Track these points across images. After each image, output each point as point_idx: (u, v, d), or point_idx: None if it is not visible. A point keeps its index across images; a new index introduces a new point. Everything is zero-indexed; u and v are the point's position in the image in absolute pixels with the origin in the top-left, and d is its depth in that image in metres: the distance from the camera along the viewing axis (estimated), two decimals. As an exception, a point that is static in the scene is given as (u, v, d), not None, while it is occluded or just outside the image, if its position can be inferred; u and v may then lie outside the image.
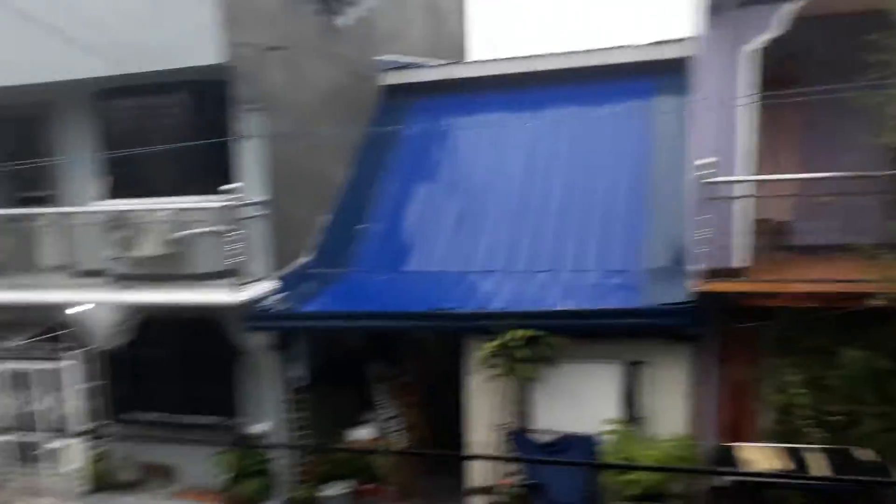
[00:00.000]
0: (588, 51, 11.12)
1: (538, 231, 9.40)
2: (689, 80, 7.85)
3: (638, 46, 10.83)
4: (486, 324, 7.94)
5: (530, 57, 11.47)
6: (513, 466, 8.09)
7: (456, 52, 15.50)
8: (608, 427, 7.68)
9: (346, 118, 11.16)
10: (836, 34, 7.19)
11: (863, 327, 6.70)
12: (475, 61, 12.97)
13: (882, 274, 6.23)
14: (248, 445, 9.33)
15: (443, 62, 12.74)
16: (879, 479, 6.09)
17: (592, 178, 9.76)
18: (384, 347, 10.10)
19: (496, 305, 8.22)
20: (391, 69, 12.28)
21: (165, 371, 9.82)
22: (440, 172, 10.87)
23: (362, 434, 9.44)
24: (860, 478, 6.13)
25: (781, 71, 7.77)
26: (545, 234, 9.34)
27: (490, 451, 8.14)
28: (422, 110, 11.83)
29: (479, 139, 10.99)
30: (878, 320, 6.56)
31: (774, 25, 6.94)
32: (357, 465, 9.12)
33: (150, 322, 9.24)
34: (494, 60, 11.89)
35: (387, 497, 9.09)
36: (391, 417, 9.63)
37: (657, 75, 10.40)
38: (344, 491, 8.99)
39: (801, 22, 6.97)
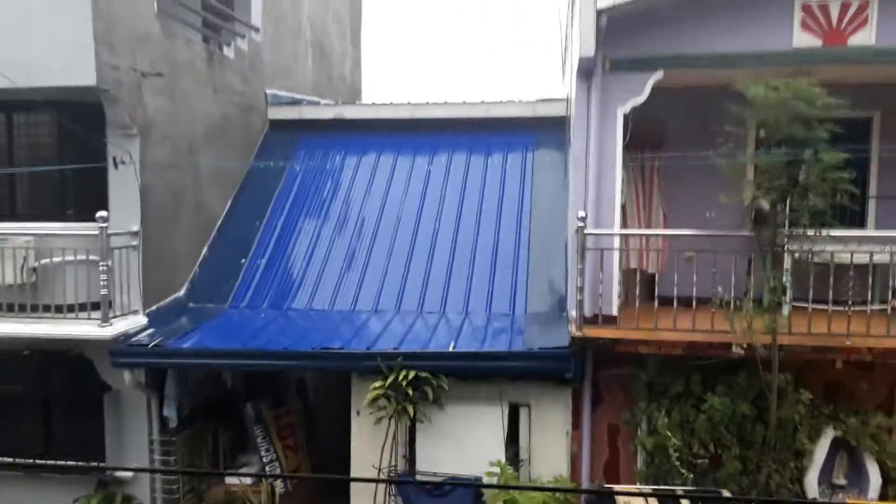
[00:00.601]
0: (476, 103, 11.63)
1: (427, 273, 9.52)
2: (566, 136, 8.38)
3: (521, 102, 11.50)
4: (374, 364, 7.88)
5: (421, 104, 11.80)
6: (396, 509, 7.99)
7: (347, 94, 15.62)
8: (492, 469, 7.78)
9: (230, 150, 10.88)
10: (698, 103, 7.94)
11: (726, 374, 7.28)
12: (367, 104, 13.12)
13: (740, 325, 6.84)
14: (112, 490, 8.62)
15: (334, 102, 12.81)
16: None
17: (480, 224, 10.08)
18: (266, 387, 9.74)
19: (384, 345, 8.18)
20: (280, 104, 12.16)
21: (23, 410, 8.93)
22: (329, 209, 10.79)
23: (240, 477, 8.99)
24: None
25: (648, 134, 8.48)
26: (434, 275, 9.47)
27: (374, 494, 8.00)
28: (311, 147, 11.77)
29: (369, 179, 11.09)
30: (739, 368, 7.16)
31: (638, 92, 7.57)
32: (232, 510, 8.66)
33: (7, 356, 8.41)
34: (386, 105, 12.11)
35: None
36: (272, 460, 9.25)
37: (540, 129, 11.08)
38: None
39: (667, 91, 7.67)
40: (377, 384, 7.74)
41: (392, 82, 25.70)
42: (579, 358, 7.70)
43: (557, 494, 7.28)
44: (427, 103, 11.80)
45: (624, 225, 7.97)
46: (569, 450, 7.99)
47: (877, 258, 7.36)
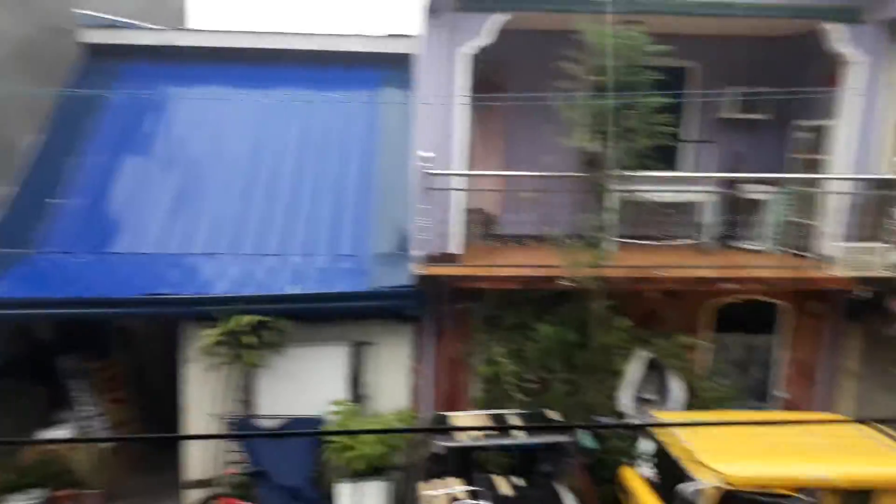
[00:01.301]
0: (319, 35, 11.11)
1: (266, 213, 9.17)
2: (413, 75, 8.32)
3: (367, 37, 11.13)
4: (208, 309, 7.55)
5: (261, 33, 11.10)
6: (235, 455, 7.84)
7: (169, 19, 14.30)
8: (334, 408, 7.83)
9: (36, 77, 9.67)
10: (540, 47, 8.18)
11: (555, 305, 7.80)
12: (197, 30, 12.10)
13: (569, 260, 7.32)
14: None
15: (158, 27, 11.70)
16: (563, 437, 7.15)
17: (322, 163, 9.81)
18: (88, 339, 9.01)
19: (219, 290, 7.85)
20: (97, 27, 10.92)
21: None
22: (154, 146, 9.99)
23: (57, 436, 8.33)
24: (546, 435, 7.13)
25: (493, 76, 8.64)
26: (273, 216, 9.14)
27: (213, 444, 7.78)
28: (132, 76, 10.73)
29: (199, 113, 10.33)
30: (567, 299, 7.70)
31: (485, 33, 7.68)
32: (50, 469, 8.02)
33: None
34: (219, 32, 11.26)
35: (89, 502, 8.16)
36: (94, 416, 8.65)
37: (386, 67, 10.82)
38: (34, 500, 7.85)
39: (511, 33, 7.82)
40: (213, 331, 7.44)
41: (222, 7, 23.59)
42: (422, 295, 7.87)
43: (397, 425, 7.51)
44: (267, 33, 11.11)
45: (469, 166, 8.14)
46: (410, 384, 8.23)
47: (686, 198, 8.14)
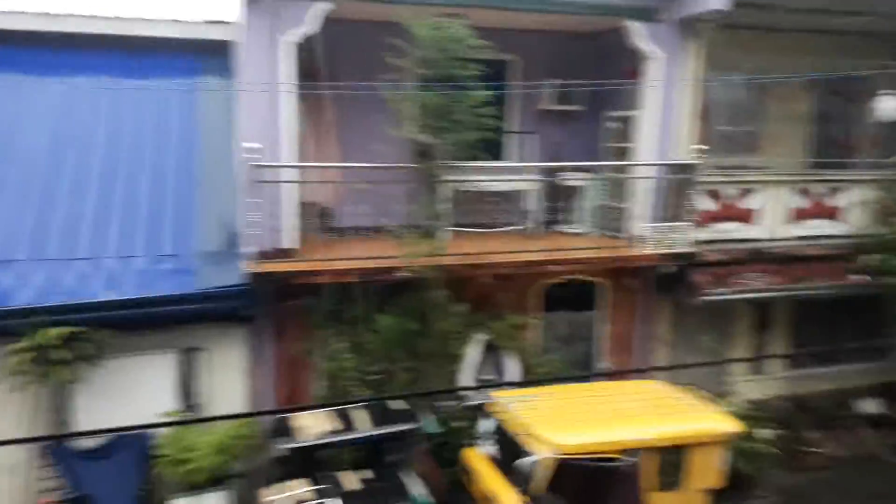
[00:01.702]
0: (127, 19, 10.17)
1: (74, 213, 8.29)
2: (234, 63, 7.93)
3: (184, 23, 10.37)
4: (8, 324, 6.74)
5: (63, 15, 9.93)
6: (51, 482, 7.08)
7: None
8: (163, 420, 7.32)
9: None
10: (367, 37, 8.12)
11: (394, 296, 7.83)
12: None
13: (406, 250, 7.38)
14: None
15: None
16: (408, 425, 7.22)
17: (136, 157, 9.02)
18: None
19: (21, 301, 7.02)
20: None
21: None
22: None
23: None
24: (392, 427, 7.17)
25: (321, 66, 8.46)
26: (83, 216, 8.29)
27: (23, 472, 6.97)
28: None
29: (-14, 104, 9.12)
30: (406, 290, 7.76)
31: (308, 21, 7.49)
32: None
33: None
34: (16, 13, 9.94)
35: None
36: None
37: (205, 55, 10.15)
38: None
39: (337, 23, 7.68)
40: (16, 347, 6.65)
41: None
42: (256, 294, 7.56)
43: (239, 431, 7.18)
44: (71, 15, 9.97)
45: (300, 158, 7.91)
46: (248, 388, 7.90)
47: (513, 187, 8.50)
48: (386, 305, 7.83)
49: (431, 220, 7.50)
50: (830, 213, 9.77)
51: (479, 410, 7.61)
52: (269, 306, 7.86)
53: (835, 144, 10.96)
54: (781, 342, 10.44)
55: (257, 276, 7.34)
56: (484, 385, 8.18)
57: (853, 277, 9.52)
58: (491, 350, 8.44)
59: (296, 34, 7.50)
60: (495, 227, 8.10)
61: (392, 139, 7.38)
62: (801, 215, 9.66)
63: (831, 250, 9.63)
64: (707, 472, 7.08)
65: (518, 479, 6.58)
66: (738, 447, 7.80)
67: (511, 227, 8.66)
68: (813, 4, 8.66)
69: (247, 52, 7.46)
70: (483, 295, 8.47)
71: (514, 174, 8.90)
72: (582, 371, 9.35)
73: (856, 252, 9.56)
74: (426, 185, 7.55)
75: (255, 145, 7.24)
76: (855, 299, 9.92)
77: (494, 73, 8.64)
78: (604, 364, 9.42)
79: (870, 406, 10.51)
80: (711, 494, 7.17)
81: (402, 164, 7.78)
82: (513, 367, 8.44)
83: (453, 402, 8.01)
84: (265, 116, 7.46)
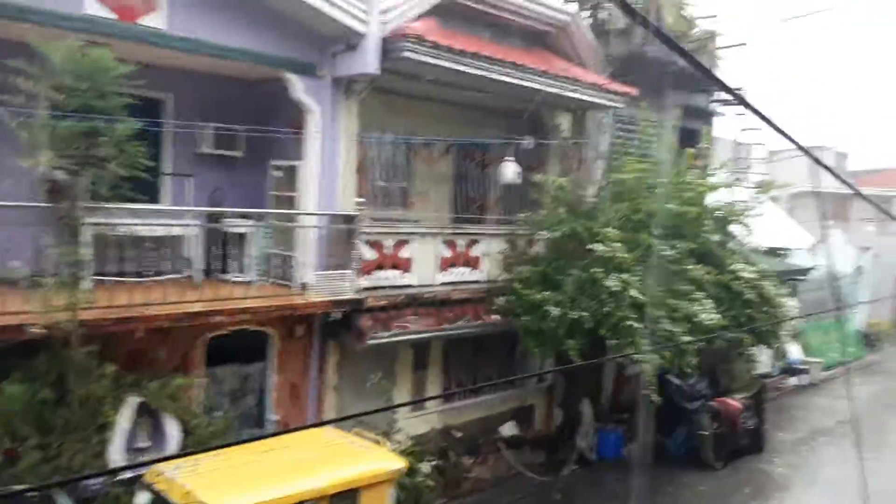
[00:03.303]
0: None
1: None
2: None
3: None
4: None
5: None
6: None
7: None
8: None
9: None
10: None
11: (24, 359, 6.55)
12: None
13: (39, 303, 6.28)
14: None
15: None
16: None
17: None
18: None
19: None
20: None
21: None
22: None
23: None
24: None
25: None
26: None
27: None
28: None
29: None
30: (40, 350, 6.55)
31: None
32: None
33: None
34: None
35: None
36: None
37: None
38: None
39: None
40: None
41: None
42: None
43: None
44: None
45: None
46: None
47: (172, 232, 7.90)
48: (12, 371, 6.50)
49: (71, 266, 6.51)
50: (471, 262, 11.04)
51: (137, 483, 6.69)
52: None
53: (471, 202, 12.52)
54: (438, 378, 11.34)
55: None
56: (129, 466, 7.14)
57: (491, 318, 10.83)
58: (147, 414, 7.55)
59: None
60: (151, 276, 7.37)
61: (18, 172, 6.30)
62: (448, 264, 10.73)
63: (473, 294, 10.86)
64: (379, 511, 7.21)
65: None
66: (402, 483, 8.14)
67: (170, 276, 7.98)
68: (446, 79, 9.85)
69: None
70: (137, 352, 7.60)
71: (171, 218, 8.28)
72: (252, 426, 8.92)
73: (490, 295, 10.92)
74: (64, 226, 6.56)
75: None
76: (494, 336, 11.30)
77: (147, 111, 8.03)
78: (274, 416, 9.12)
79: (508, 429, 11.93)
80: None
81: (30, 204, 6.67)
82: (173, 431, 7.64)
83: (99, 481, 6.91)
84: None
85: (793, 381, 19.26)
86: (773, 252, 18.33)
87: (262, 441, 8.07)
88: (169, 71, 8.75)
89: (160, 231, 7.63)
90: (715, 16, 14.36)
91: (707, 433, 12.70)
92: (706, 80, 14.87)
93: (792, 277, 18.37)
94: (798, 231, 22.73)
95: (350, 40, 8.95)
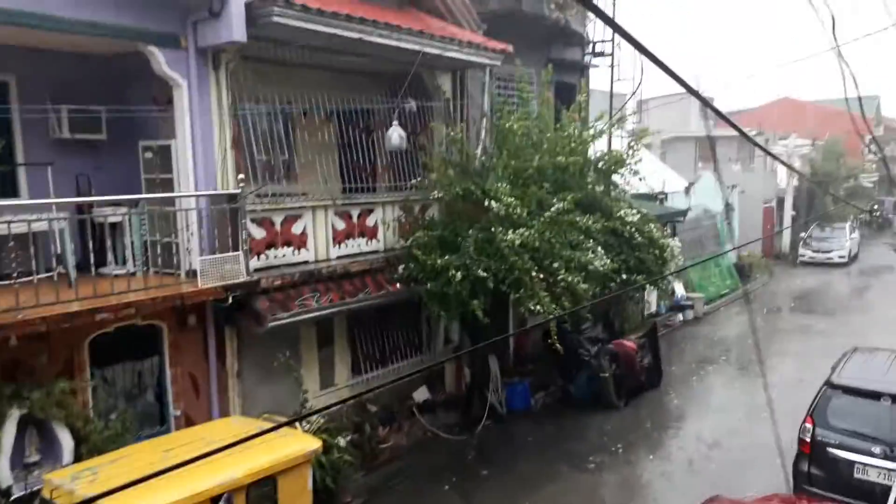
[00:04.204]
0: None
1: None
2: None
3: None
4: None
5: None
6: None
7: None
8: None
9: None
10: None
11: None
12: None
13: None
14: None
15: None
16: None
17: None
18: None
19: None
20: None
21: None
22: None
23: None
24: None
25: None
26: None
27: None
28: None
29: None
30: None
31: None
32: None
33: None
34: None
35: None
36: None
37: None
38: None
39: None
40: None
41: None
42: None
43: None
44: None
45: None
46: None
47: (35, 227, 7.20)
48: None
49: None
50: (367, 232, 10.83)
51: (34, 499, 6.16)
52: None
53: (361, 170, 12.25)
54: (345, 353, 11.14)
55: None
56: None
57: (394, 287, 10.71)
58: (33, 425, 6.95)
59: None
60: (15, 277, 6.67)
61: None
62: (343, 236, 10.48)
63: (373, 265, 10.68)
64: (299, 495, 7.05)
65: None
66: (319, 462, 7.98)
67: (41, 276, 7.29)
68: (320, 44, 9.47)
69: None
70: (13, 361, 6.93)
71: (35, 212, 7.52)
72: (154, 425, 8.42)
73: (390, 265, 10.79)
74: None
75: None
76: (399, 305, 11.21)
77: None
78: (176, 412, 8.64)
79: (420, 394, 11.97)
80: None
81: None
82: (65, 440, 7.08)
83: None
84: None
85: (679, 317, 20.48)
86: (651, 197, 19.26)
87: (167, 438, 7.67)
88: (9, 50, 7.89)
89: (21, 227, 6.89)
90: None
91: (607, 375, 13.28)
92: (578, 35, 15.34)
93: (671, 219, 19.40)
94: (671, 175, 24.02)
95: (212, 6, 8.38)
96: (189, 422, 8.62)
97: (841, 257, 31.19)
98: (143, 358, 8.46)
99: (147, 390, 8.54)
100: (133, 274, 8.30)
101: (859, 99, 8.55)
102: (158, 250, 8.66)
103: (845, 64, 7.30)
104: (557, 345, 10.82)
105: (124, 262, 8.47)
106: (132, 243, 8.47)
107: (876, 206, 27.98)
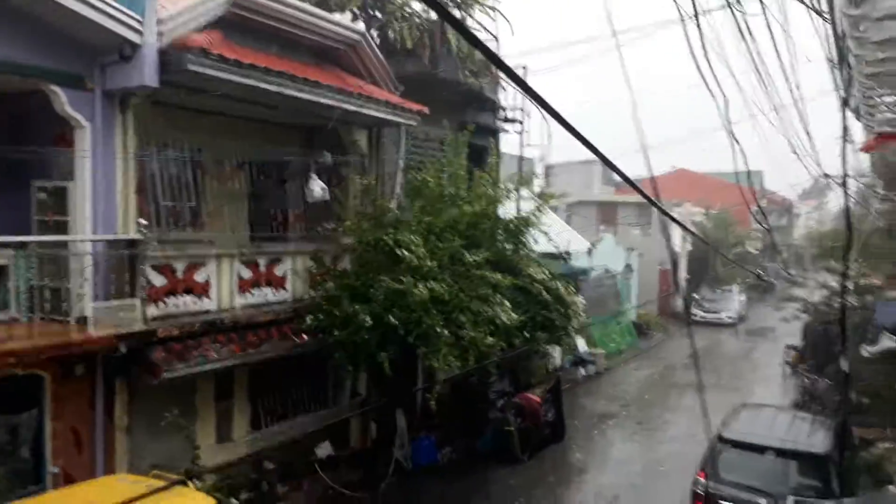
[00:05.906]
0: None
1: None
2: None
3: None
4: None
5: None
6: None
7: None
8: None
9: None
10: None
11: None
12: None
13: None
14: None
15: None
16: None
17: None
18: None
19: None
20: None
21: None
22: None
23: None
24: None
25: None
26: None
27: None
28: None
29: None
30: None
31: None
32: None
33: None
34: None
35: None
36: None
37: None
38: None
39: None
40: None
41: None
42: None
43: None
44: None
45: None
46: None
47: None
48: None
49: None
50: (275, 282, 10.62)
51: None
52: None
53: (271, 219, 12.10)
54: (245, 407, 10.72)
55: None
56: None
57: (300, 338, 10.49)
58: None
59: None
60: None
61: None
62: (249, 285, 10.22)
63: (279, 315, 10.45)
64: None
65: None
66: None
67: None
68: (237, 94, 9.41)
69: None
70: None
71: None
72: (29, 483, 7.77)
73: (298, 315, 10.59)
74: None
75: None
76: (304, 357, 10.96)
77: None
78: (54, 469, 8.01)
79: (323, 450, 11.62)
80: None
81: None
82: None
83: None
84: None
85: (582, 371, 20.99)
86: (557, 256, 19.91)
87: (40, 499, 7.09)
88: None
89: None
90: (496, 39, 15.20)
91: (513, 429, 13.39)
92: (491, 101, 15.93)
93: (575, 278, 20.07)
94: (576, 236, 24.98)
95: (123, 50, 8.22)
96: (69, 480, 7.99)
97: (730, 318, 33.01)
98: (20, 411, 7.86)
99: (22, 446, 7.91)
100: (16, 320, 7.77)
101: (748, 173, 9.28)
102: (47, 295, 8.17)
103: (735, 141, 7.96)
104: (463, 398, 10.85)
105: (6, 307, 7.93)
106: (17, 287, 7.96)
107: (761, 272, 29.93)
